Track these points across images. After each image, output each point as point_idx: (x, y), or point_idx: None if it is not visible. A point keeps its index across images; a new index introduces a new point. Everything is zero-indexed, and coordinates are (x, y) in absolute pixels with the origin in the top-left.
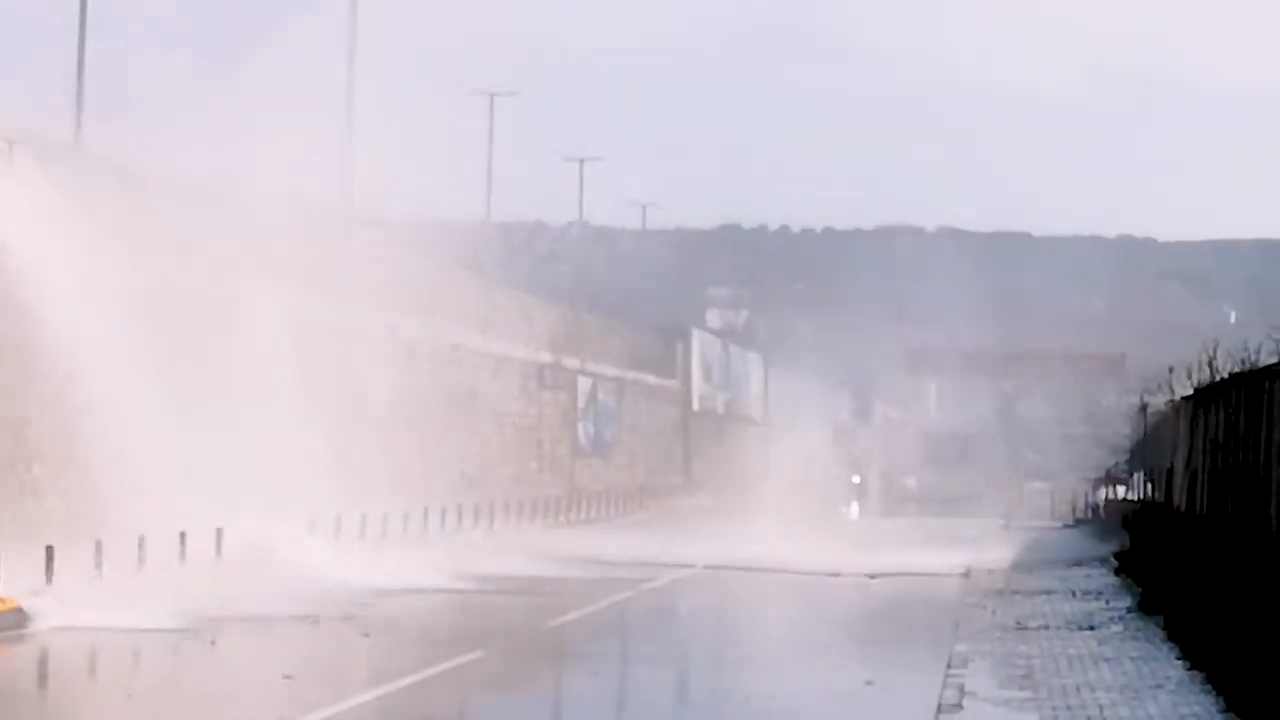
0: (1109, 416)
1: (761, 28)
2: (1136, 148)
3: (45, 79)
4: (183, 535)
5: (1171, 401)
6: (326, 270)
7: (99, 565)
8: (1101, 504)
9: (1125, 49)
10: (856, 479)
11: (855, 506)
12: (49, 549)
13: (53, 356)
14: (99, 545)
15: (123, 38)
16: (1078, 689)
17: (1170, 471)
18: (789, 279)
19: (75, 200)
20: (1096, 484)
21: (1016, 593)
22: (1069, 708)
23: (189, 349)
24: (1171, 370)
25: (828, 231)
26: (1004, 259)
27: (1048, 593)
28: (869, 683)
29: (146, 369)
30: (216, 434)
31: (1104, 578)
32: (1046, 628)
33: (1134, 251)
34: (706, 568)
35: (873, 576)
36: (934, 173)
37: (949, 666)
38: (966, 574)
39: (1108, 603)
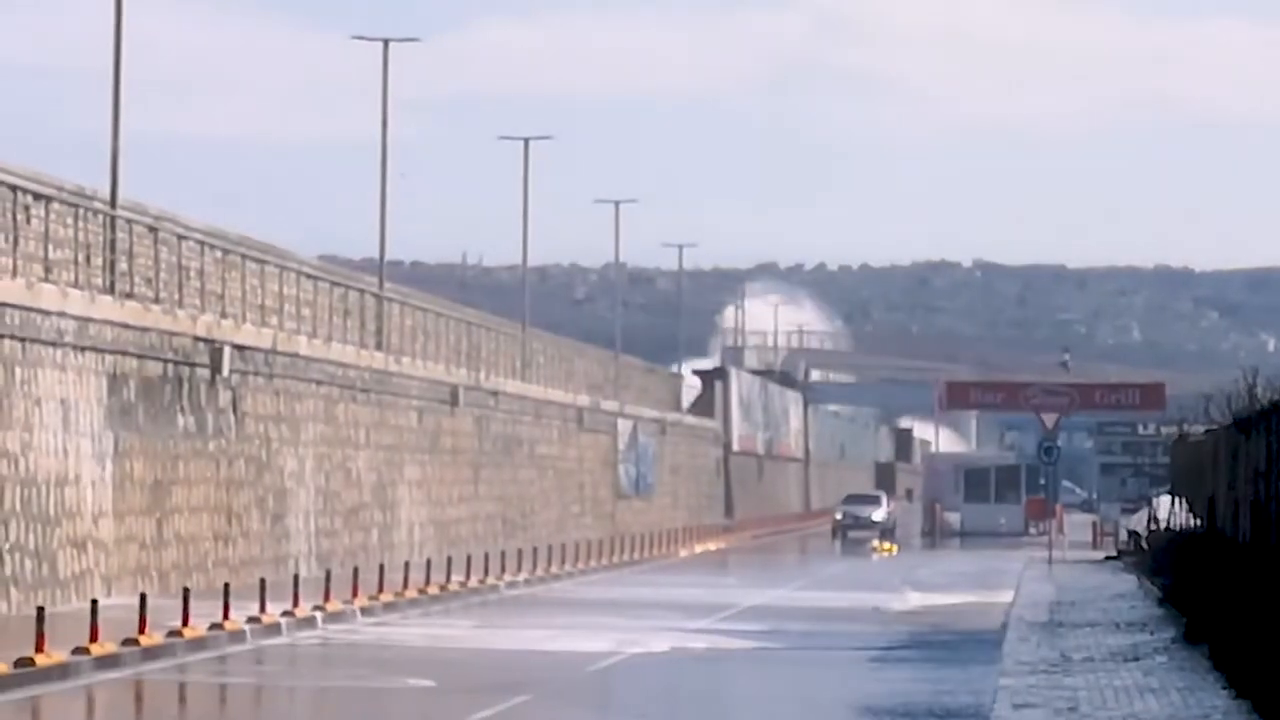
0: (1148, 446)
1: (794, 68)
2: (1172, 178)
3: (84, 132)
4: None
5: (1211, 430)
6: (364, 319)
7: None
8: (1144, 534)
9: (1160, 80)
10: (879, 515)
11: (878, 543)
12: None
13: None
14: None
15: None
16: None
17: (1212, 500)
18: (827, 316)
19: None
20: (1138, 514)
21: (1061, 625)
22: None
23: (218, 401)
24: (1210, 398)
25: (864, 268)
26: (1041, 292)
27: (1092, 625)
28: None
29: (176, 420)
30: (250, 486)
31: (1148, 608)
32: (1091, 660)
33: (1171, 281)
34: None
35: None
36: (969, 207)
37: (994, 700)
38: (1010, 606)
39: (1152, 633)
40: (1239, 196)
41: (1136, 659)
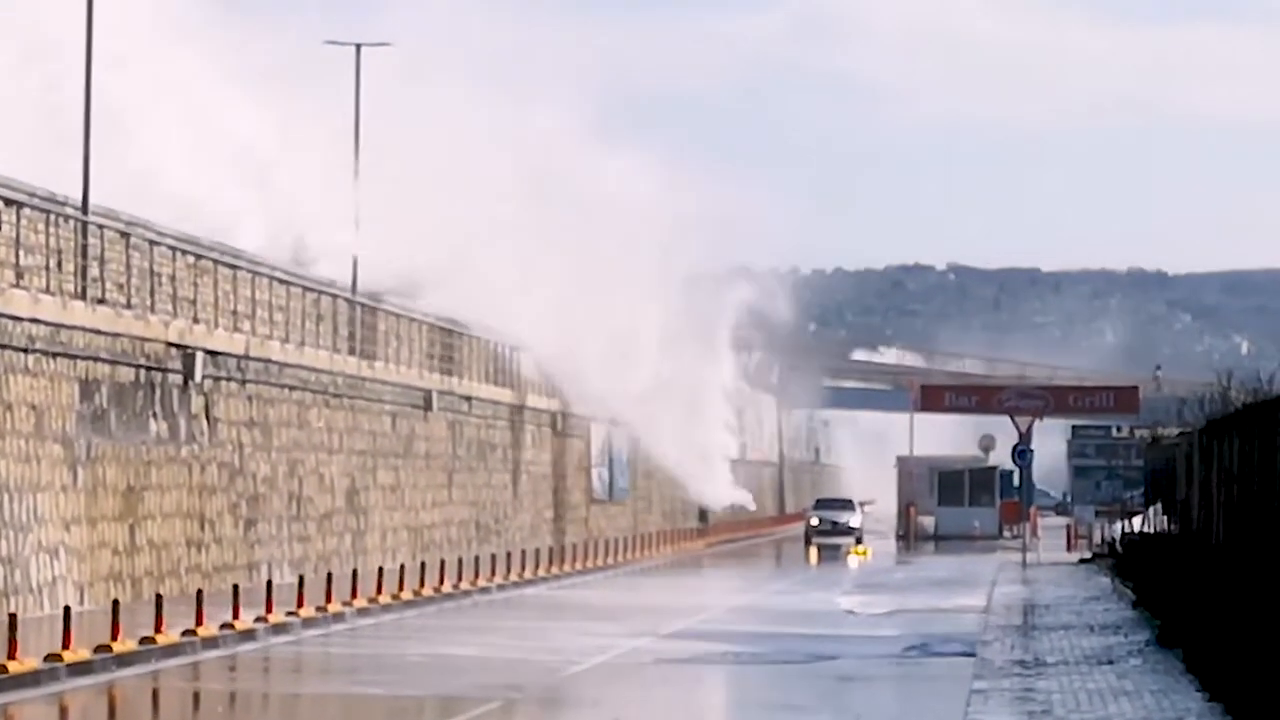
0: (1123, 449)
1: (765, 70)
2: (1145, 181)
3: (55, 134)
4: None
5: (1185, 433)
6: (337, 324)
7: None
8: (1118, 537)
9: (1133, 82)
10: (854, 521)
11: (853, 547)
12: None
13: None
14: None
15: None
16: None
17: (1186, 503)
18: (800, 320)
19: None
20: (1112, 517)
21: (1034, 628)
22: None
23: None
24: (1184, 401)
25: (838, 271)
26: (1015, 294)
27: (1066, 628)
28: None
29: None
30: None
31: (1122, 611)
32: (1065, 663)
33: (1145, 284)
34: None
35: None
36: (943, 210)
37: (968, 703)
38: (985, 609)
39: (1126, 636)
40: (1213, 199)
41: (1110, 662)
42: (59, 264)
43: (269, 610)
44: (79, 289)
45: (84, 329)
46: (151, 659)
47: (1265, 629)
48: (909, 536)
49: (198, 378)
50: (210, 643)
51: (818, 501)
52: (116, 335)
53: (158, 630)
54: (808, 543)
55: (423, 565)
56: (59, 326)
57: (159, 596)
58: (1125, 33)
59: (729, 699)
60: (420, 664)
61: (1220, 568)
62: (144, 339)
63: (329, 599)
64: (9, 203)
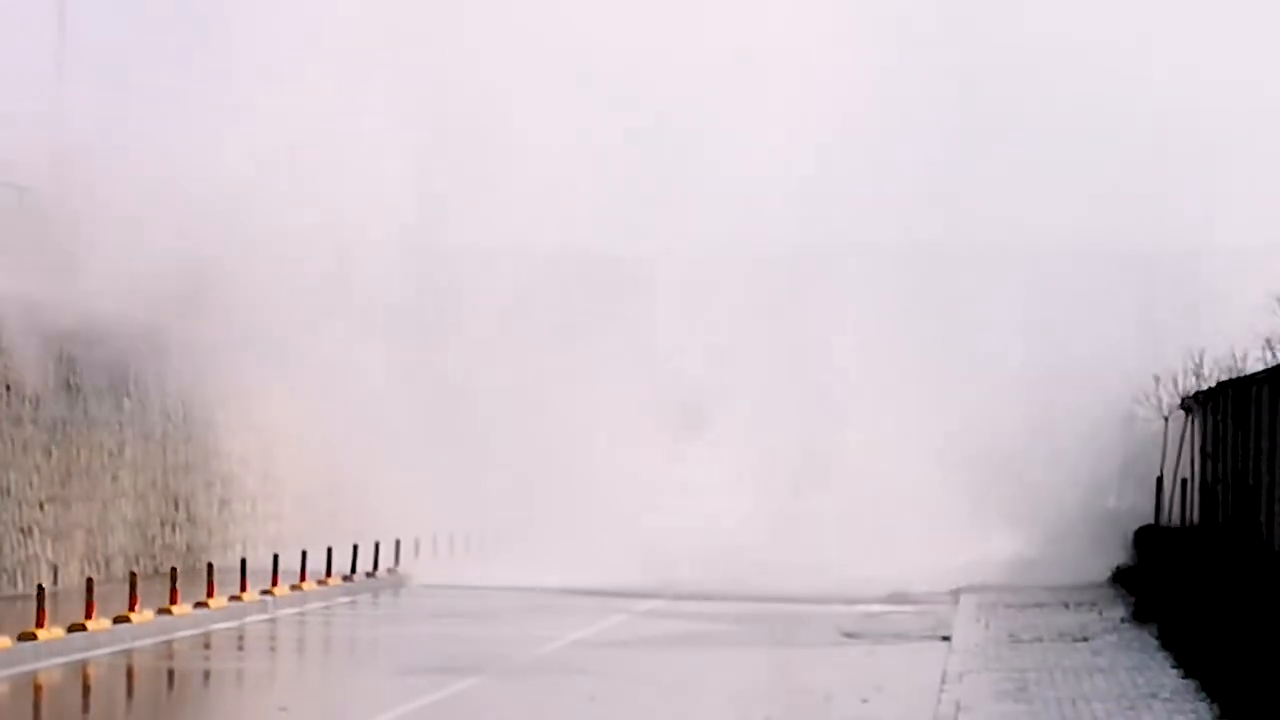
0: (1096, 427)
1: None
2: (1111, 161)
3: (30, 80)
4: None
5: (1160, 411)
6: (320, 295)
7: None
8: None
9: (1098, 62)
10: None
11: None
12: None
13: None
14: None
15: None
16: (1073, 700)
17: (1160, 481)
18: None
19: None
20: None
21: (1009, 606)
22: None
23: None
24: (1158, 380)
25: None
26: (986, 274)
27: (1040, 605)
28: (864, 701)
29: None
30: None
31: (1096, 588)
32: (1040, 640)
33: (1117, 264)
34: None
35: None
36: (927, 189)
37: (943, 681)
38: (957, 587)
39: (1101, 613)
40: (1189, 177)
41: (1085, 639)
42: (35, 241)
43: (243, 589)
44: (54, 266)
45: (58, 306)
46: (125, 638)
47: (1238, 605)
48: None
49: (173, 356)
50: (184, 621)
51: None
52: (91, 313)
53: (131, 609)
54: None
55: (397, 544)
56: (33, 304)
57: (133, 575)
58: (1108, 14)
59: (700, 683)
60: (396, 642)
61: (1194, 544)
62: (119, 317)
63: (303, 578)
64: None
